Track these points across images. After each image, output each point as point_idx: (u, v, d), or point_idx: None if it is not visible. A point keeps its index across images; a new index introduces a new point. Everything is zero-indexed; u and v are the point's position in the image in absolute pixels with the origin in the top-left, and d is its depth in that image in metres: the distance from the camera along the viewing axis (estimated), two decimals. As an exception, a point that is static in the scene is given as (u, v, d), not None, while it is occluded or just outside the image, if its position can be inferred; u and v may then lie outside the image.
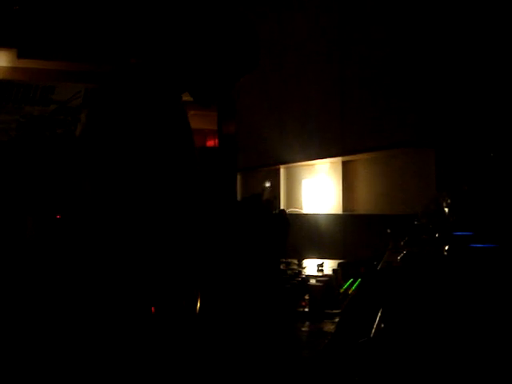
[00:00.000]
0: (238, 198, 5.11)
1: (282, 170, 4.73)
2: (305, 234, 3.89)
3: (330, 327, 1.47)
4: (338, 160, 4.01)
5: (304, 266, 2.45)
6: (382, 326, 1.34)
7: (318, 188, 4.24)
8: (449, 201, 2.14)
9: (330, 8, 3.87)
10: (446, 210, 2.15)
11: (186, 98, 1.52)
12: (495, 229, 1.76)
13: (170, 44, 1.41)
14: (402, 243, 2.06)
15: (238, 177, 5.39)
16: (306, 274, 2.20)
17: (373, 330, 1.34)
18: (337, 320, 1.53)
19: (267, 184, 3.95)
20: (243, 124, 5.23)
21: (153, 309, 1.24)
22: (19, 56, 6.13)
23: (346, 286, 1.93)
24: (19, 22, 5.83)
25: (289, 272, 2.13)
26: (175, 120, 1.37)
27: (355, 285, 1.94)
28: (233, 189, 5.23)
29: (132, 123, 1.25)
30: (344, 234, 3.80)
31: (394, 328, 1.31)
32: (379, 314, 1.43)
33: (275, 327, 1.46)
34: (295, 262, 2.49)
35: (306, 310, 1.63)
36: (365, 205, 3.89)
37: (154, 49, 1.42)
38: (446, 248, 1.60)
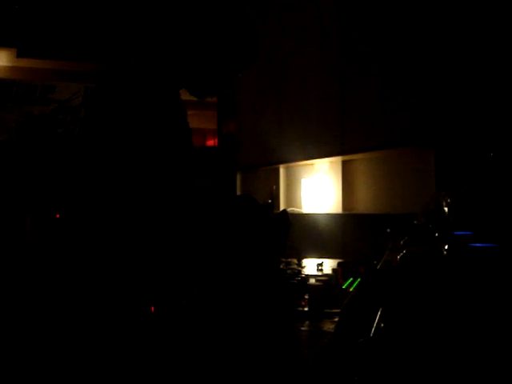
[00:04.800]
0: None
1: (282, 170, 4.72)
2: (304, 234, 3.89)
3: (329, 326, 1.47)
4: (337, 159, 4.01)
5: (304, 265, 2.45)
6: (382, 325, 1.34)
7: (317, 187, 4.24)
8: (448, 200, 2.14)
9: (330, 8, 3.87)
10: (446, 209, 2.15)
11: (187, 97, 1.51)
12: (495, 228, 1.76)
13: (167, 39, 1.40)
14: (401, 243, 2.06)
15: (238, 176, 5.39)
16: (306, 273, 2.20)
17: (372, 330, 1.34)
18: (336, 319, 1.53)
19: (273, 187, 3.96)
20: (243, 123, 5.23)
21: (152, 308, 1.24)
22: (19, 55, 6.13)
23: (345, 285, 1.93)
24: (19, 21, 5.83)
25: (289, 271, 2.14)
26: (173, 119, 1.37)
27: (355, 284, 1.94)
28: (232, 188, 5.23)
29: (129, 122, 1.25)
30: (343, 234, 3.80)
31: (393, 328, 1.31)
32: (379, 314, 1.43)
33: (275, 327, 1.46)
34: (295, 261, 2.49)
35: (306, 309, 1.63)
36: (364, 204, 3.89)
37: (150, 45, 1.42)
38: (446, 247, 1.60)
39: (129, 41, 5.51)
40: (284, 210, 1.63)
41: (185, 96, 1.51)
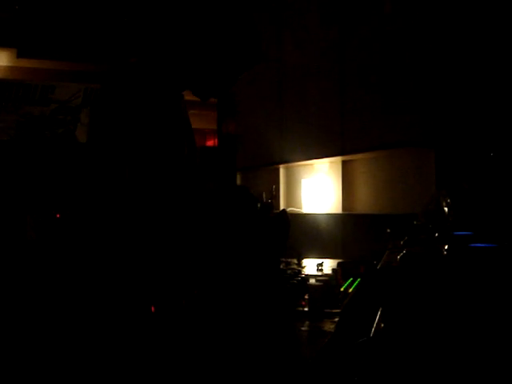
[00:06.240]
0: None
1: (282, 170, 4.72)
2: (304, 234, 3.89)
3: (329, 326, 1.47)
4: (337, 159, 4.01)
5: (304, 265, 2.45)
6: (382, 325, 1.34)
7: (317, 188, 4.24)
8: (448, 200, 2.14)
9: (330, 9, 3.87)
10: (446, 209, 2.15)
11: (188, 97, 1.51)
12: (495, 228, 1.76)
13: (170, 40, 1.41)
14: (401, 243, 2.06)
15: (238, 176, 5.39)
16: (306, 273, 2.20)
17: (372, 330, 1.34)
18: (336, 319, 1.53)
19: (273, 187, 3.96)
20: (243, 124, 5.23)
21: (152, 308, 1.24)
22: (19, 55, 6.12)
23: (345, 285, 1.93)
24: (19, 21, 5.82)
25: (289, 271, 2.13)
26: (176, 119, 1.37)
27: (355, 284, 1.94)
28: (232, 188, 5.22)
29: (133, 123, 1.25)
30: (343, 234, 3.80)
31: (393, 328, 1.31)
32: (379, 314, 1.43)
33: (275, 326, 1.46)
34: (295, 261, 2.49)
35: (306, 309, 1.63)
36: (364, 204, 3.89)
37: (153, 45, 1.42)
38: (446, 248, 1.60)
39: (129, 41, 5.50)
40: (283, 210, 1.63)
41: (186, 96, 1.51)
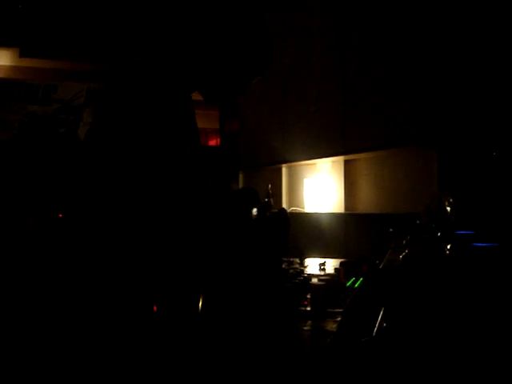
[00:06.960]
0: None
1: (284, 169, 4.72)
2: (307, 233, 3.89)
3: (332, 326, 1.47)
4: (339, 159, 4.01)
5: (306, 264, 2.46)
6: (384, 325, 1.34)
7: (319, 187, 4.24)
8: (451, 200, 2.14)
9: (331, 9, 3.87)
10: (448, 209, 2.15)
11: (195, 97, 1.51)
12: (497, 228, 1.76)
13: (179, 43, 1.40)
14: (403, 242, 2.06)
15: (240, 176, 5.40)
16: (308, 272, 2.21)
17: (375, 329, 1.34)
18: (339, 319, 1.53)
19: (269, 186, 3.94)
20: (245, 123, 5.24)
21: (155, 307, 1.25)
22: (21, 55, 6.14)
23: (348, 284, 1.93)
24: (21, 21, 5.84)
25: (291, 271, 2.14)
26: (180, 119, 1.37)
27: (357, 284, 1.94)
28: (234, 188, 5.23)
29: (137, 122, 1.25)
30: (346, 233, 3.80)
31: (396, 327, 1.31)
32: (381, 313, 1.43)
33: (277, 326, 1.46)
34: (297, 261, 2.50)
35: (308, 308, 1.64)
36: (367, 204, 3.89)
37: (162, 47, 1.41)
38: (448, 247, 1.60)
39: (132, 41, 5.51)
40: (282, 209, 1.63)
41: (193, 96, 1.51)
